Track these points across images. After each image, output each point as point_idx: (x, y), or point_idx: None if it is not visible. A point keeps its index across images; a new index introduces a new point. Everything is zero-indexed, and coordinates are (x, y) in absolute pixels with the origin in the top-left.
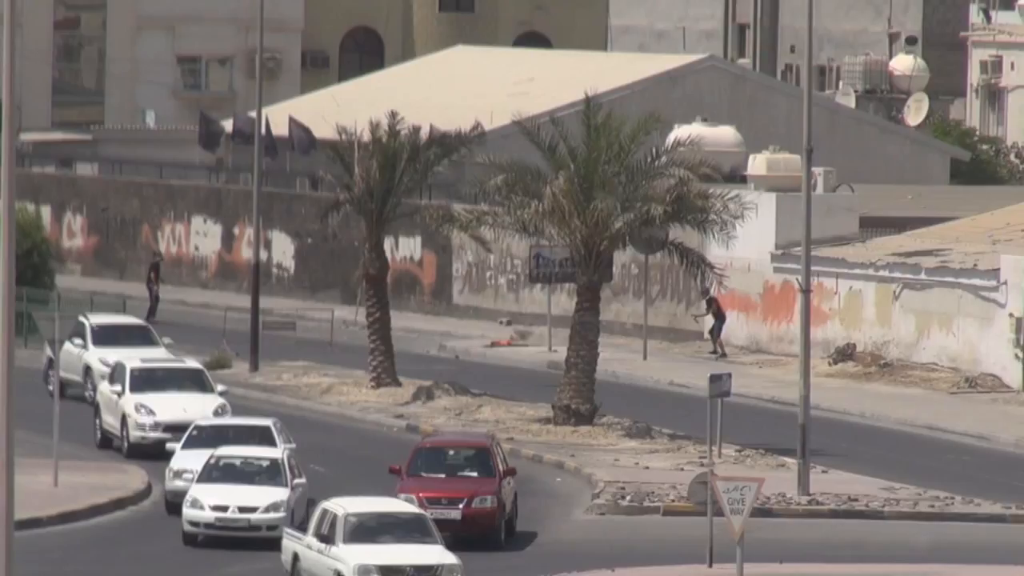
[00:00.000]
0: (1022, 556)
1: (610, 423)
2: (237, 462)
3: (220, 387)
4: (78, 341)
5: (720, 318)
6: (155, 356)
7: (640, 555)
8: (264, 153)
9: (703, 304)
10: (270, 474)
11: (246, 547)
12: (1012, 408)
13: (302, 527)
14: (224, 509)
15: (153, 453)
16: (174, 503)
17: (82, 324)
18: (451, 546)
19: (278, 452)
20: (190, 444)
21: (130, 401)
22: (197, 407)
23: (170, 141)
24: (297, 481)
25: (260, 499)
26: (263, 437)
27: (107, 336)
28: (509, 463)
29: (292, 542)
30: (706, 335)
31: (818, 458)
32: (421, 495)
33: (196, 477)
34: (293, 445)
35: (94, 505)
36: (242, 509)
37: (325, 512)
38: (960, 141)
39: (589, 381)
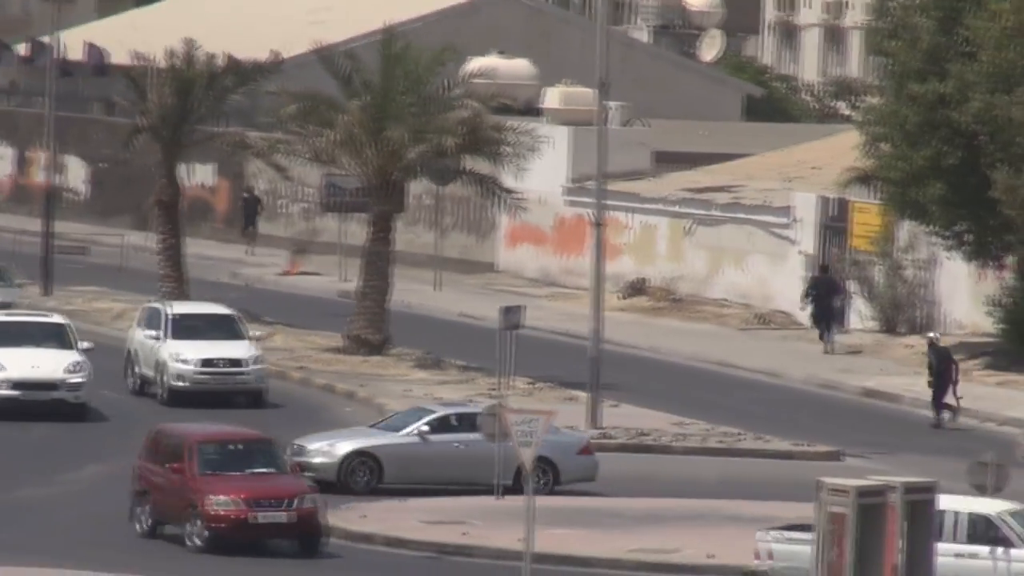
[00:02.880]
0: (809, 493)
1: (401, 354)
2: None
3: (258, 332)
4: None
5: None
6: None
7: (429, 487)
8: (58, 77)
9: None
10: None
11: None
12: (802, 345)
13: None
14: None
15: (193, 401)
16: None
17: None
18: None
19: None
20: None
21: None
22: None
23: None
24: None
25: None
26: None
27: None
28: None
29: None
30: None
31: (609, 392)
32: (243, 496)
33: None
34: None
35: None
36: None
37: None
38: (754, 78)
39: (381, 311)
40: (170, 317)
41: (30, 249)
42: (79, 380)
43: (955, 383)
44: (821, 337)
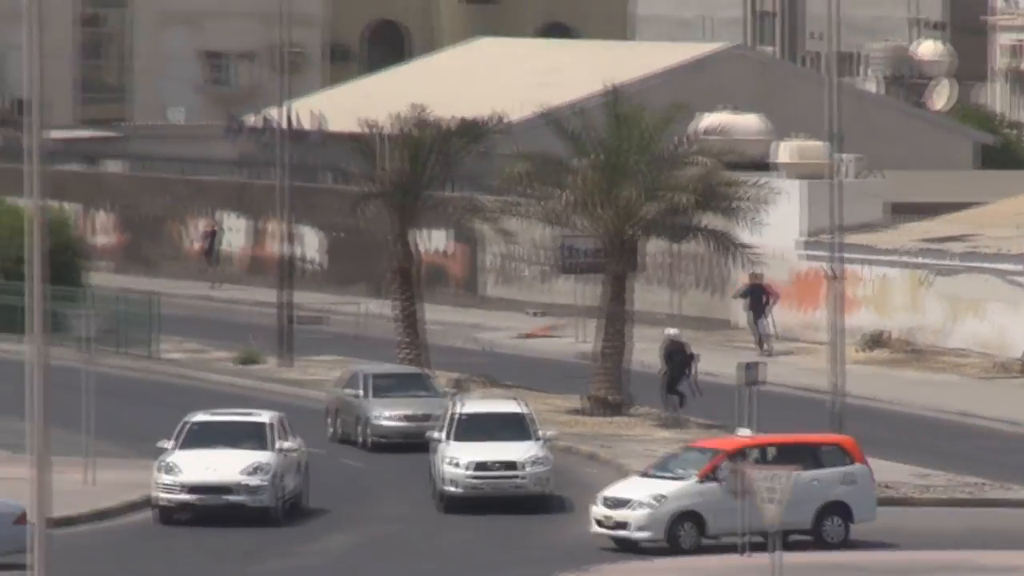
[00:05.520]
0: None
1: (643, 413)
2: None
3: (549, 432)
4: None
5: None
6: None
7: None
8: (290, 147)
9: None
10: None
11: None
12: None
13: None
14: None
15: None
16: None
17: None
18: None
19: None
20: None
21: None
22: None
23: (196, 137)
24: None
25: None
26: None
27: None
28: None
29: None
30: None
31: None
32: None
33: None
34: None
35: (128, 502)
36: None
37: None
38: (985, 125)
39: (620, 371)
40: (456, 417)
41: (267, 320)
42: (258, 483)
43: (689, 375)
44: (759, 342)
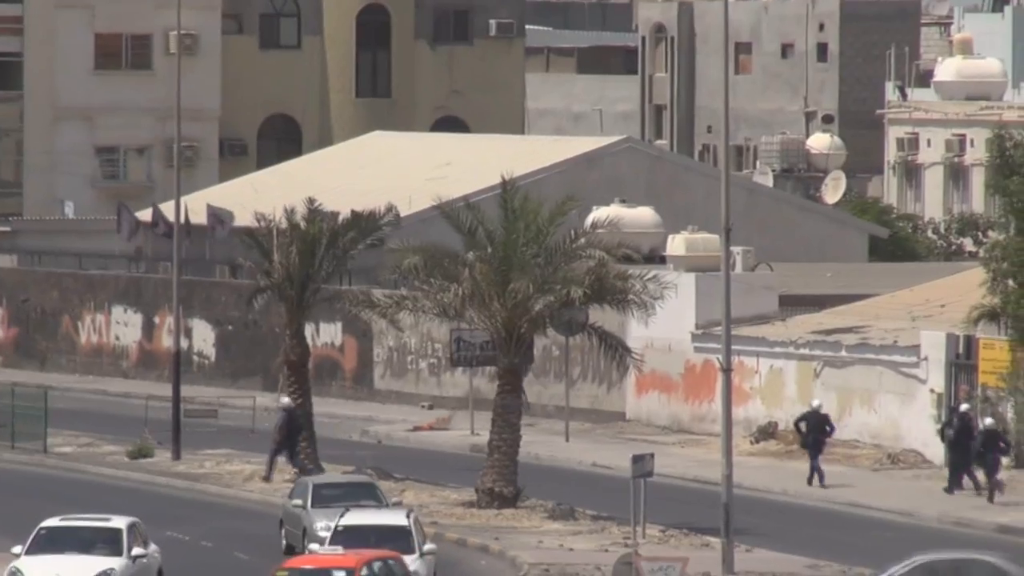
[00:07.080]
0: None
1: (533, 505)
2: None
3: (428, 546)
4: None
5: None
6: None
7: None
8: (183, 241)
9: None
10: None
11: None
12: (934, 484)
13: None
14: None
15: None
16: None
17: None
18: None
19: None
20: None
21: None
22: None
23: (89, 231)
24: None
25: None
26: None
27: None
28: None
29: None
30: None
31: (742, 537)
32: None
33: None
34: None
35: None
36: None
37: None
38: (878, 218)
39: (512, 464)
40: (336, 529)
41: (160, 414)
42: None
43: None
44: None
